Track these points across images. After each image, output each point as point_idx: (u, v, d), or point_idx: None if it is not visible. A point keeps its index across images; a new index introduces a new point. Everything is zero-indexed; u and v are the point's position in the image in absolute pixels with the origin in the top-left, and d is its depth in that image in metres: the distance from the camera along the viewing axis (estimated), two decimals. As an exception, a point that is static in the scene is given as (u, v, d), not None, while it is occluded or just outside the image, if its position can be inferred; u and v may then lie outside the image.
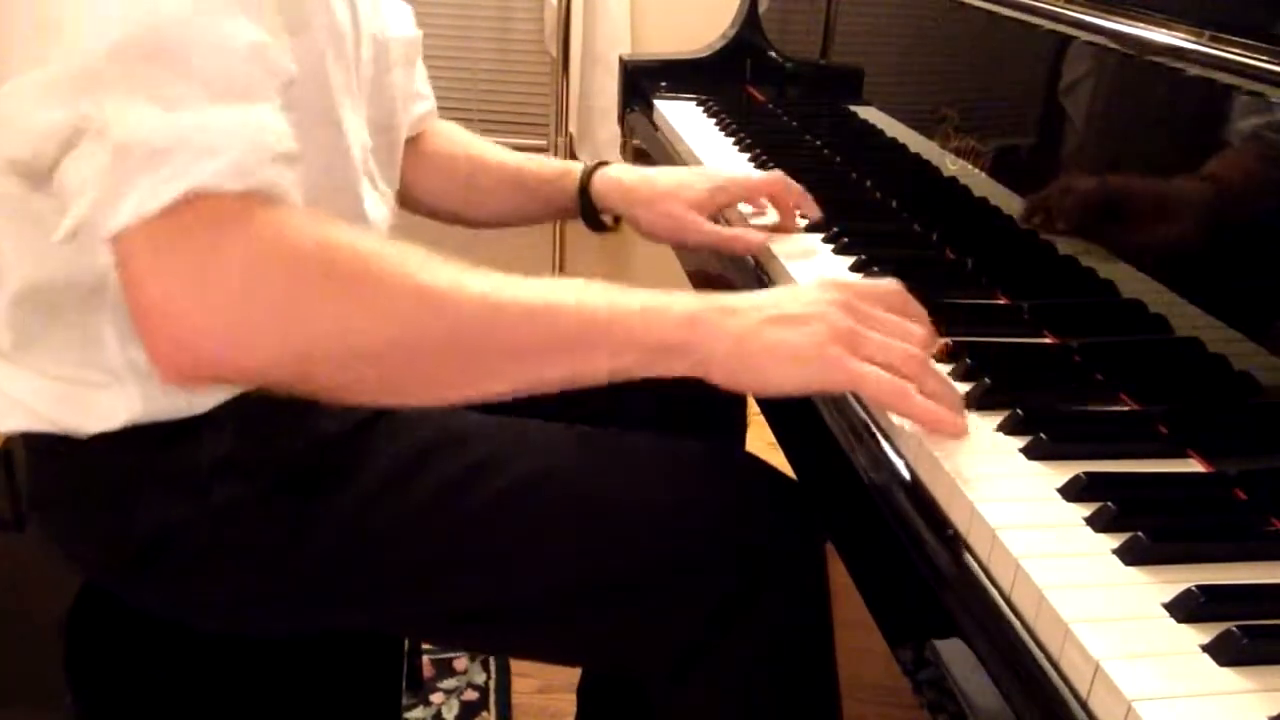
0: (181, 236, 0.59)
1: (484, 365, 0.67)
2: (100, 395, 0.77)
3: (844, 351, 0.68)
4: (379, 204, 0.92)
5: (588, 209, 1.10)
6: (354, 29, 0.85)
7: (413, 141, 1.09)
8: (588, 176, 1.09)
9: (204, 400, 0.80)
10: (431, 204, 1.14)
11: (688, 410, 1.06)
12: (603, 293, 0.69)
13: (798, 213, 1.07)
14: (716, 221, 1.05)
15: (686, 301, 0.70)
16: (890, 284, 0.76)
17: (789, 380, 0.69)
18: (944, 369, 0.78)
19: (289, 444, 0.82)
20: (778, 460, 0.89)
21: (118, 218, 0.59)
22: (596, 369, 0.69)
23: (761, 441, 1.14)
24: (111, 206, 0.59)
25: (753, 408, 1.15)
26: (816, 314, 0.69)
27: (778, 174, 1.06)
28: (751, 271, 1.02)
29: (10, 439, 0.95)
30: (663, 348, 0.69)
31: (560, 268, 2.35)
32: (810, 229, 1.07)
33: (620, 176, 1.08)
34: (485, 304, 0.66)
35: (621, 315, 0.68)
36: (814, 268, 0.98)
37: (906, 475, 0.69)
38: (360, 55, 0.87)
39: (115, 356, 0.76)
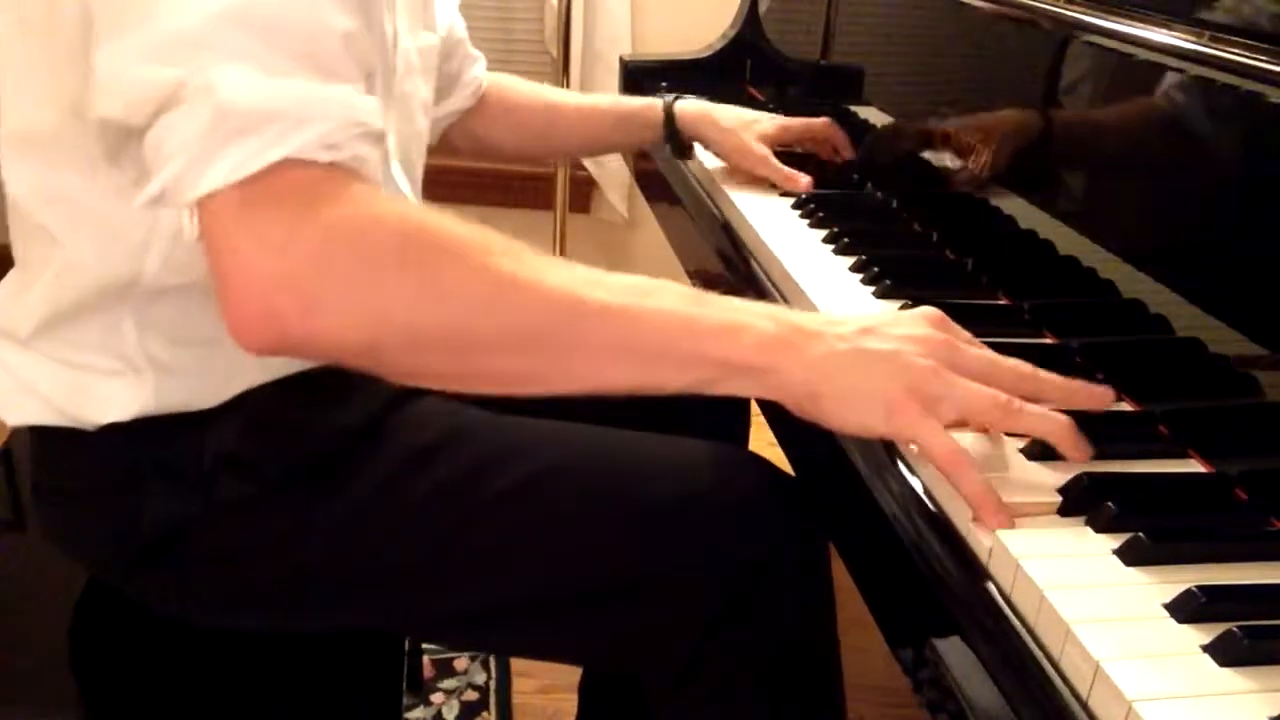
0: (268, 203, 0.60)
1: (553, 361, 0.66)
2: (113, 384, 0.78)
3: (918, 407, 0.64)
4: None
5: (673, 135, 1.25)
6: (393, 35, 0.86)
7: (481, 101, 1.22)
8: (670, 107, 1.24)
9: (214, 394, 0.80)
10: (513, 151, 1.30)
11: (690, 411, 1.06)
12: (686, 301, 0.67)
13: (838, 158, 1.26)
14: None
15: (767, 322, 0.67)
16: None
17: (856, 424, 0.67)
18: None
19: (293, 441, 0.82)
20: (778, 459, 0.89)
21: (208, 180, 0.59)
22: (664, 380, 0.67)
23: (762, 441, 1.14)
24: (204, 169, 0.59)
25: (754, 408, 1.16)
26: (901, 356, 0.66)
27: (827, 119, 1.25)
28: (744, 270, 1.02)
29: (12, 435, 0.95)
30: (735, 368, 0.66)
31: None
32: (812, 228, 1.08)
33: (701, 107, 1.25)
34: (563, 298, 0.64)
35: (698, 329, 0.66)
36: (816, 268, 0.98)
37: (908, 476, 0.69)
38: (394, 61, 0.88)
39: (132, 346, 0.78)
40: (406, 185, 0.94)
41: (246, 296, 0.61)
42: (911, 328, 0.68)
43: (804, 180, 1.17)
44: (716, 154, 1.24)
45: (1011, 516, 0.62)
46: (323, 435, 0.83)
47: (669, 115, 1.24)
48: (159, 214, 0.73)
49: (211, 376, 0.80)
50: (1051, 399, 0.68)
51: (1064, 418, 0.66)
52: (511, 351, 0.65)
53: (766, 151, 1.19)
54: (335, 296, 0.61)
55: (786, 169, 1.18)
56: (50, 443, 0.82)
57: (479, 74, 1.21)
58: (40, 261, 0.79)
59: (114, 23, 0.63)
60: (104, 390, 0.79)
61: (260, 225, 0.60)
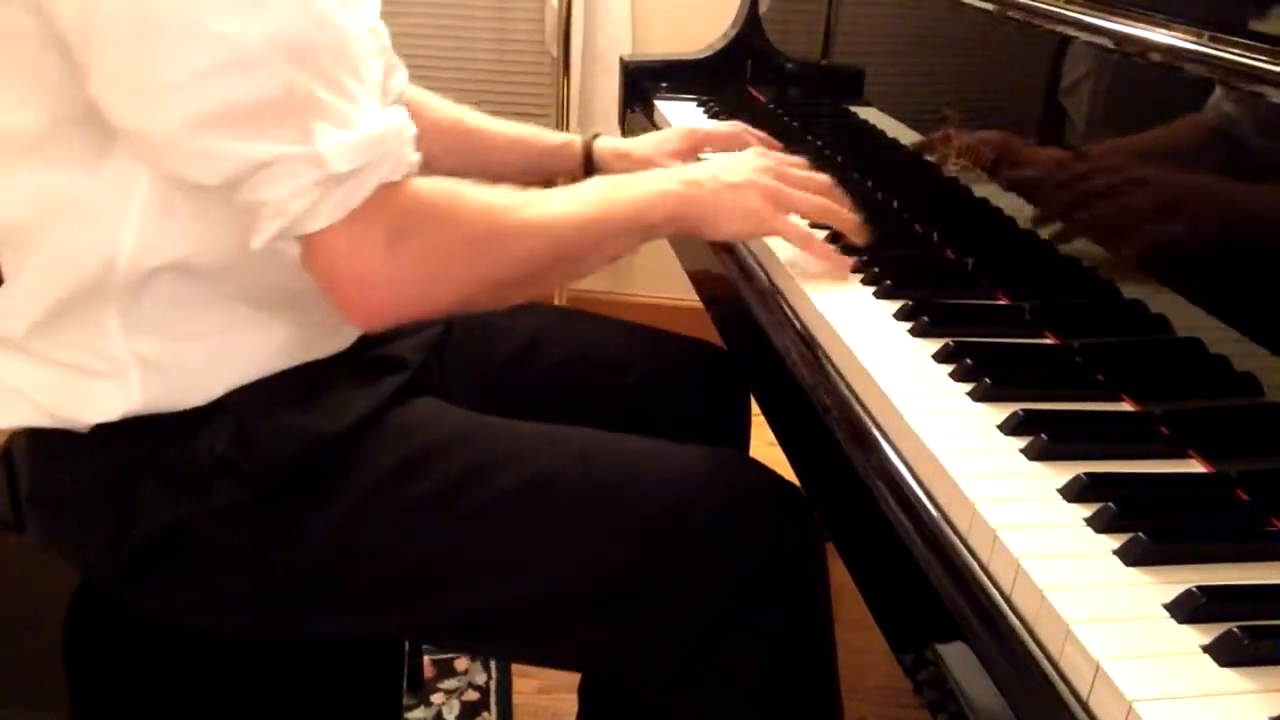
0: (368, 223, 0.75)
1: (573, 267, 0.92)
2: (100, 384, 0.79)
3: (774, 208, 0.93)
4: None
5: (590, 173, 1.23)
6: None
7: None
8: (589, 146, 1.24)
9: (201, 393, 0.81)
10: (445, 166, 1.17)
11: (692, 413, 1.06)
12: (621, 188, 0.90)
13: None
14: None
15: (673, 182, 0.92)
16: (798, 158, 1.02)
17: (735, 231, 0.96)
18: (944, 368, 0.79)
19: (283, 444, 0.82)
20: (778, 459, 0.89)
21: (320, 220, 0.73)
22: (630, 247, 0.91)
23: (762, 441, 1.14)
24: (315, 212, 0.73)
25: (754, 409, 1.16)
26: (753, 180, 0.94)
27: (734, 129, 1.24)
28: (762, 281, 1.02)
29: (11, 438, 0.95)
30: (664, 222, 0.91)
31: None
32: (812, 228, 1.07)
33: (615, 145, 1.26)
34: (571, 222, 0.86)
35: (642, 207, 0.90)
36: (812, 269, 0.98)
37: (907, 475, 0.69)
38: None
39: (118, 346, 0.79)
40: None
41: (363, 301, 0.78)
42: (752, 160, 0.97)
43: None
44: None
45: (848, 267, 0.95)
46: (312, 439, 0.82)
47: (588, 154, 1.24)
48: (131, 190, 0.75)
49: (197, 374, 0.81)
50: (835, 198, 0.97)
51: (853, 215, 0.96)
52: (553, 269, 0.89)
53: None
54: (440, 281, 0.80)
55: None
56: (44, 445, 0.82)
57: (402, 82, 1.08)
58: (16, 261, 0.79)
59: (121, 56, 0.68)
60: (90, 390, 0.79)
61: (367, 242, 0.75)
